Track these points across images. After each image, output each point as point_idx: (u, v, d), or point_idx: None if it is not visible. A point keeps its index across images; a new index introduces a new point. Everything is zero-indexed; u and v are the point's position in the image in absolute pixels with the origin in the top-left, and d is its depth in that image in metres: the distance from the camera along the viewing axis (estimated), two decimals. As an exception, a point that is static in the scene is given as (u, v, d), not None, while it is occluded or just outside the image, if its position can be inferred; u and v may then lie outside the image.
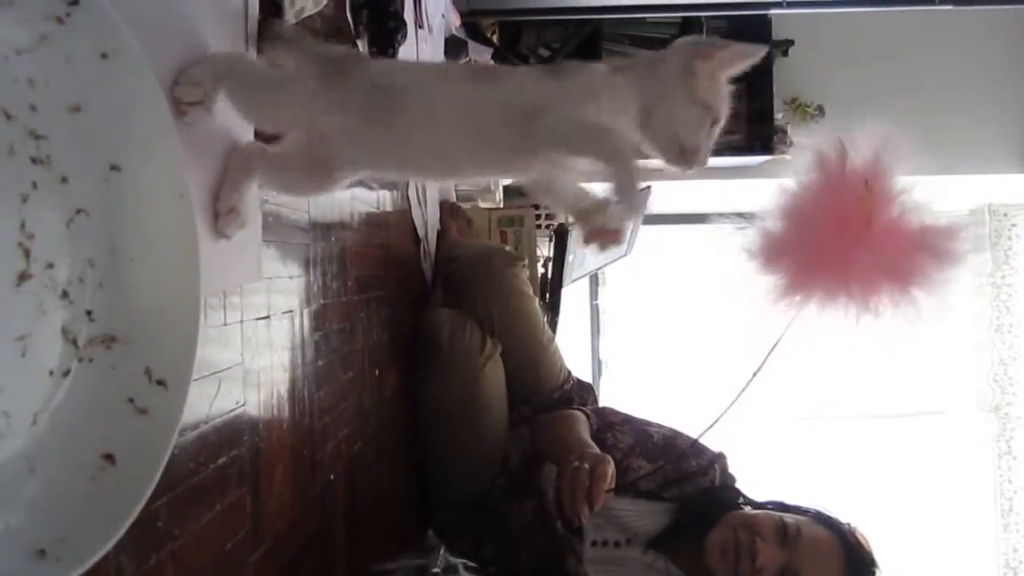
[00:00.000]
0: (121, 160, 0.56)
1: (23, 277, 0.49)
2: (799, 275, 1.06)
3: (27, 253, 0.50)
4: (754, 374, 1.20)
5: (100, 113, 0.54)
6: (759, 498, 1.51)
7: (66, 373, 0.53)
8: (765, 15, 3.06)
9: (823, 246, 1.05)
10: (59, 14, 0.49)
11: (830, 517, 1.39)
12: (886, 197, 1.03)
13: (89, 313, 0.55)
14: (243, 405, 0.85)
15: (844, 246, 1.02)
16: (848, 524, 1.38)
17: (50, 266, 0.52)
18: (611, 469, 1.28)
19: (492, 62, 2.72)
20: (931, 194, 1.04)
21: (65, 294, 0.53)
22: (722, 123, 0.83)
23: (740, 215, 1.17)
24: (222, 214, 0.78)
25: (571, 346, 2.99)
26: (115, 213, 0.56)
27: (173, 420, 0.56)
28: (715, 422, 1.26)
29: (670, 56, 0.82)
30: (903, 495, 4.05)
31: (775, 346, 1.16)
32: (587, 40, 3.31)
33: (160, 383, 0.56)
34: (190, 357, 0.58)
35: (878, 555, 1.35)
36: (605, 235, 0.84)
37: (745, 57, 0.81)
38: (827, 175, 1.06)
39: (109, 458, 0.53)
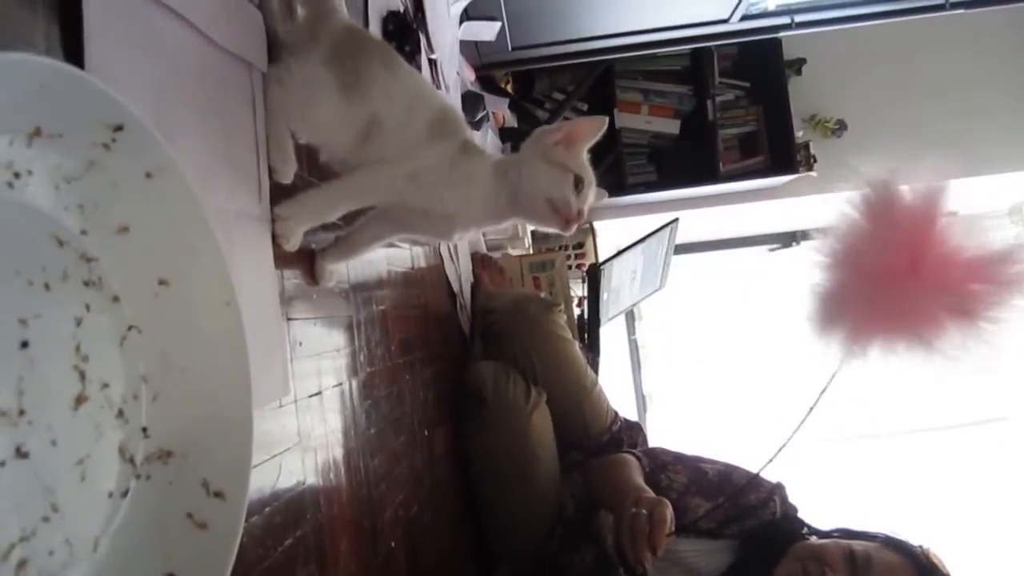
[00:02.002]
0: (169, 274, 0.57)
1: (80, 400, 0.50)
2: (860, 326, 1.03)
3: (83, 376, 0.51)
4: (800, 423, 1.18)
5: (147, 231, 0.55)
6: (824, 526, 1.48)
7: (125, 493, 0.53)
8: (775, 36, 3.07)
9: (881, 293, 1.02)
10: (106, 140, 0.51)
11: (901, 541, 1.35)
12: (937, 232, 1.00)
13: (144, 430, 0.55)
14: (304, 483, 0.86)
15: (902, 290, 0.99)
16: (920, 546, 1.33)
17: (105, 386, 0.53)
18: (670, 512, 1.26)
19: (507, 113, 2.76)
20: (983, 221, 1.01)
21: (121, 413, 0.54)
22: (590, 186, 0.94)
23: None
24: (276, 165, 0.87)
25: (614, 383, 2.98)
26: (165, 326, 0.57)
27: (233, 532, 0.55)
28: (768, 462, 1.24)
29: (525, 143, 0.96)
30: (971, 508, 3.92)
31: (820, 396, 1.15)
32: (600, 80, 3.35)
33: (218, 495, 0.56)
34: (246, 465, 0.58)
35: (955, 576, 1.31)
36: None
37: (590, 129, 0.95)
38: (876, 220, 1.03)
39: None
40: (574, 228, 0.94)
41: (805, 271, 1.12)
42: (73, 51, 0.55)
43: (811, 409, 1.16)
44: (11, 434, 0.45)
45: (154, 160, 0.54)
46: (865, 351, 1.02)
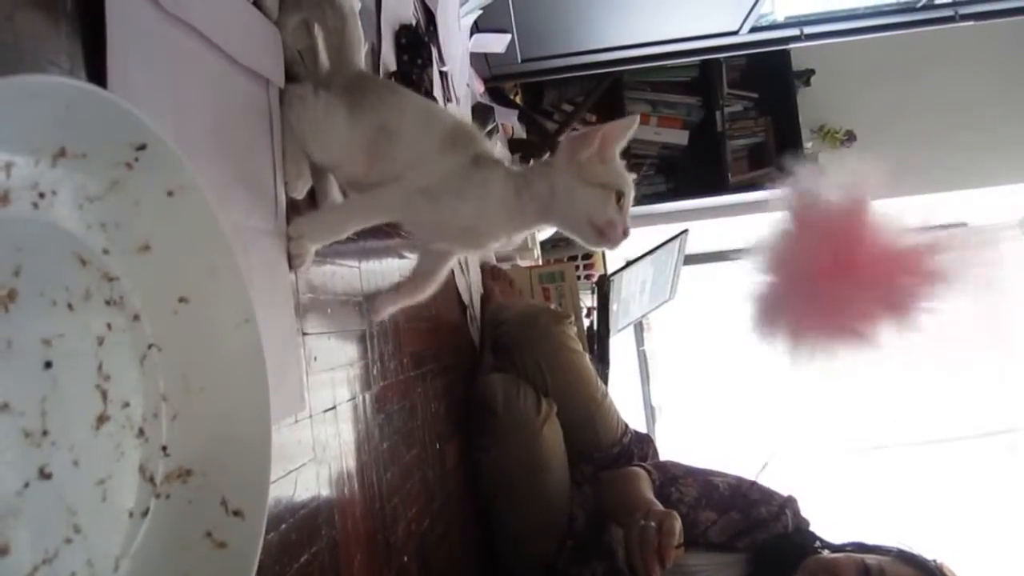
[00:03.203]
0: (189, 292, 0.57)
1: (102, 420, 0.51)
2: (798, 327, 1.05)
3: (104, 395, 0.51)
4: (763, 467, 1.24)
5: (168, 249, 0.56)
6: (836, 540, 1.47)
7: (145, 512, 0.53)
8: (784, 48, 3.07)
9: (812, 292, 1.04)
10: (128, 160, 0.51)
11: (914, 555, 1.34)
12: (864, 231, 1.02)
13: (164, 448, 0.56)
14: (319, 499, 0.86)
15: (831, 287, 1.01)
16: (934, 560, 1.32)
17: (126, 405, 0.53)
18: (678, 525, 1.26)
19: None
20: (914, 215, 1.04)
21: (141, 432, 0.54)
22: (630, 195, 0.91)
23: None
24: (290, 179, 0.87)
25: (622, 394, 2.97)
26: (185, 344, 0.57)
27: (252, 551, 0.55)
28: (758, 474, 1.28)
29: (556, 155, 0.91)
30: (984, 520, 3.89)
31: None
32: (609, 91, 3.35)
33: (237, 513, 0.56)
34: (264, 483, 0.58)
35: (969, 590, 1.30)
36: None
37: (622, 131, 0.90)
38: (802, 223, 1.05)
39: None
40: (620, 245, 0.91)
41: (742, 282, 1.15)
42: (96, 69, 0.55)
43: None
44: (35, 455, 0.45)
45: (176, 178, 0.54)
46: (807, 351, 1.04)
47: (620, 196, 0.89)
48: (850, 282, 1.00)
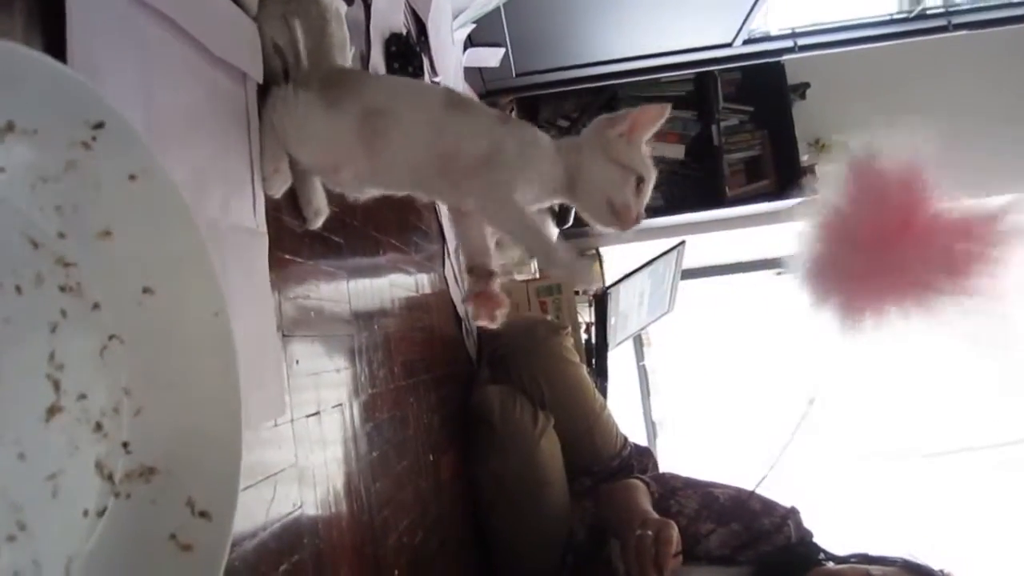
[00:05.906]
0: (154, 282, 0.54)
1: (53, 411, 0.47)
2: (852, 292, 1.03)
3: (57, 385, 0.48)
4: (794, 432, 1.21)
5: (131, 236, 0.53)
6: (840, 551, 1.43)
7: (102, 512, 0.50)
8: (778, 61, 3.06)
9: (871, 255, 1.03)
10: (85, 139, 0.49)
11: (920, 565, 1.31)
12: (923, 195, 1.02)
13: (125, 445, 0.52)
14: (301, 507, 0.83)
15: (891, 250, 1.00)
16: (941, 570, 1.29)
17: (82, 397, 0.50)
18: (675, 533, 1.24)
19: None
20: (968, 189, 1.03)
21: (99, 426, 0.51)
22: (650, 182, 0.91)
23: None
24: (268, 176, 0.84)
25: (623, 410, 2.94)
26: (150, 337, 0.54)
27: (219, 555, 0.52)
28: (765, 476, 1.24)
29: (586, 131, 0.91)
30: (994, 533, 3.84)
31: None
32: (604, 106, 3.35)
33: (203, 515, 0.53)
34: (234, 483, 0.55)
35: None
36: (482, 299, 0.94)
37: (653, 118, 0.90)
38: (865, 185, 1.05)
39: None
40: (630, 229, 0.91)
41: (794, 240, 1.13)
42: (54, 48, 0.53)
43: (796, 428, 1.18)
44: (-27, 447, 0.42)
45: (137, 161, 0.52)
46: (859, 320, 1.02)
47: (640, 181, 0.89)
48: (909, 245, 0.99)
